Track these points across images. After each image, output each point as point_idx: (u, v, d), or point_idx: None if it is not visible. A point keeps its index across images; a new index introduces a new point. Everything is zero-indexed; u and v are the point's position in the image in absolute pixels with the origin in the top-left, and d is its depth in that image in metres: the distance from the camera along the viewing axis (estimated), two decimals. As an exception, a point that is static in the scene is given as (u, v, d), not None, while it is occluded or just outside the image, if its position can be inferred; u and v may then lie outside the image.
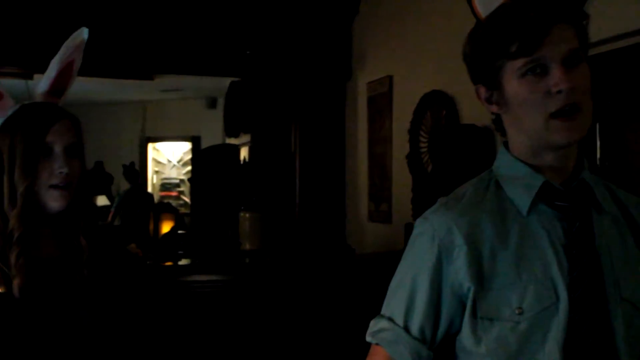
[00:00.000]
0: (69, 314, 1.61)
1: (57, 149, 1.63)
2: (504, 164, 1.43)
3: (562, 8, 1.32)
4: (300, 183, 5.37)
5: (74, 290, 1.63)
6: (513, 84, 1.33)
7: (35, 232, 1.64)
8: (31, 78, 6.91)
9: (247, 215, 4.59)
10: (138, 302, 1.77)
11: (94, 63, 5.76)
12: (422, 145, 4.49)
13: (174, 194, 10.48)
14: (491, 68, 1.36)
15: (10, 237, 1.60)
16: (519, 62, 1.31)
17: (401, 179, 4.71)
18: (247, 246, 4.52)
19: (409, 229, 4.39)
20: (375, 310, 1.46)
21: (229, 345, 3.89)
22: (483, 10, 1.39)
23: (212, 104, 9.75)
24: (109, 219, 7.59)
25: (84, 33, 1.78)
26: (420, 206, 4.41)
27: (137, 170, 9.07)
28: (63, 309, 1.61)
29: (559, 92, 1.28)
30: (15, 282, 1.57)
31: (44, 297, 1.60)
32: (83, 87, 8.94)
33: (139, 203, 7.53)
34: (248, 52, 5.39)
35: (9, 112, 1.67)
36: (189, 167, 10.13)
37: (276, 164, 5.42)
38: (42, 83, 1.73)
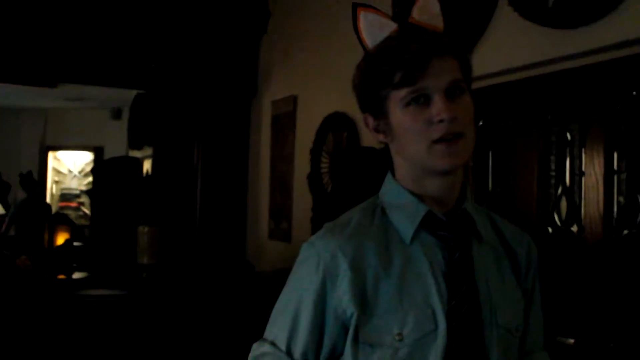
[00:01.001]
0: None
1: None
2: (389, 191, 1.45)
3: (445, 41, 1.36)
4: (201, 198, 5.33)
5: None
6: (397, 113, 1.35)
7: None
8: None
9: (146, 229, 4.53)
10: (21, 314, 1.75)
11: (-1, 68, 5.60)
12: (323, 165, 4.54)
13: (73, 204, 10.20)
14: (377, 97, 1.38)
15: None
16: (403, 92, 1.33)
17: (302, 198, 4.75)
18: (145, 260, 4.45)
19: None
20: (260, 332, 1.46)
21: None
22: (370, 42, 1.42)
23: (116, 114, 9.57)
24: (3, 228, 7.31)
25: None
26: (319, 226, 4.44)
27: (35, 179, 8.76)
28: None
29: (441, 121, 1.30)
30: None
31: None
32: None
33: (35, 213, 7.27)
34: (153, 65, 5.32)
35: None
36: (90, 178, 9.89)
37: (178, 179, 5.36)
38: None
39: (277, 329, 1.41)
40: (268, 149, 5.35)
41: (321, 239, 1.41)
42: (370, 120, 1.42)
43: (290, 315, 1.39)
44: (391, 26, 1.41)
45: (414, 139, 1.34)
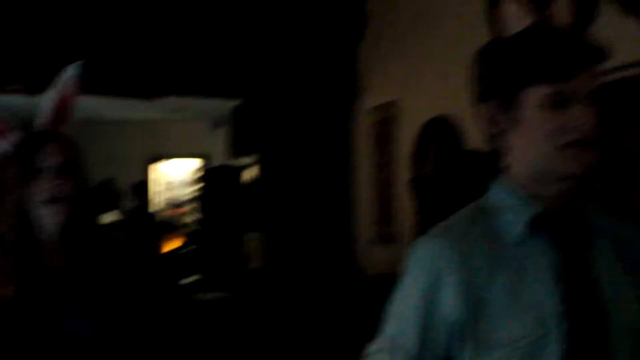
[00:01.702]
0: (62, 321, 1.73)
1: (47, 169, 1.79)
2: (498, 193, 1.43)
3: (596, 48, 1.32)
4: (306, 204, 5.41)
5: (70, 299, 1.75)
6: (532, 110, 1.31)
7: (37, 244, 1.79)
8: (36, 94, 6.98)
9: (254, 235, 4.64)
10: (141, 316, 1.88)
11: (103, 82, 5.85)
12: (426, 169, 4.54)
13: (179, 212, 10.53)
14: (511, 89, 1.33)
15: (3, 247, 1.78)
16: (546, 90, 1.29)
17: (406, 203, 4.76)
18: (254, 265, 4.57)
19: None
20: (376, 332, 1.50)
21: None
22: (509, 30, 1.38)
23: (218, 124, 9.82)
24: (116, 235, 7.62)
25: (76, 69, 1.96)
26: (424, 230, 4.45)
27: (147, 188, 9.14)
28: (55, 316, 1.73)
29: (575, 127, 1.28)
30: (5, 289, 1.72)
31: (38, 303, 1.72)
32: (92, 105, 9.00)
33: (146, 220, 7.59)
34: (253, 75, 5.44)
35: (14, 141, 1.86)
36: (195, 186, 10.19)
37: (283, 185, 5.46)
38: (43, 115, 1.91)
39: (389, 329, 1.44)
40: (370, 155, 5.39)
41: (430, 242, 1.43)
42: (491, 109, 1.38)
43: (400, 316, 1.42)
44: (527, 20, 1.37)
45: (543, 140, 1.31)
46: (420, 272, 1.40)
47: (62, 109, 1.93)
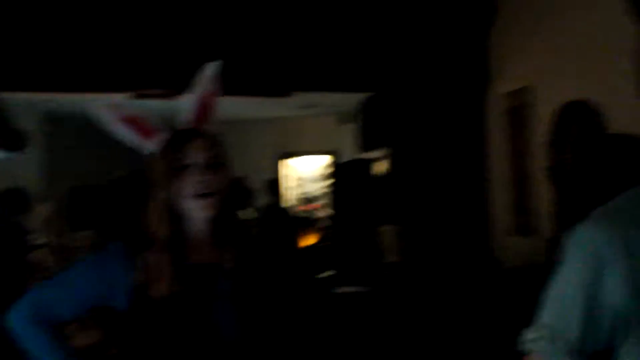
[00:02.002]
0: (213, 317, 1.76)
1: (195, 165, 1.80)
2: None
3: None
4: (441, 195, 5.35)
5: (220, 295, 1.78)
6: None
7: (184, 240, 1.83)
8: (174, 98, 7.26)
9: (389, 228, 4.64)
10: (284, 312, 1.89)
11: (235, 82, 6.02)
12: (565, 157, 4.39)
13: (311, 207, 10.67)
14: None
15: (155, 244, 1.80)
16: None
17: (543, 192, 4.62)
18: (390, 258, 4.56)
19: (551, 243, 4.30)
20: (518, 324, 1.46)
21: (369, 355, 3.93)
22: None
23: (347, 119, 9.87)
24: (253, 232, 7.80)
25: (216, 67, 1.98)
26: (563, 220, 4.31)
27: (279, 185, 9.31)
28: (207, 312, 1.76)
29: None
30: (157, 283, 1.76)
31: (191, 299, 1.76)
32: (223, 105, 9.28)
33: (280, 217, 7.72)
34: (383, 67, 5.44)
35: (162, 140, 1.88)
36: (326, 182, 10.29)
37: (416, 177, 5.43)
38: (185, 115, 1.93)
39: (548, 316, 1.40)
40: (505, 143, 5.27)
41: (592, 226, 1.35)
42: None
43: (560, 303, 1.37)
44: None
45: None
46: (582, 258, 1.34)
47: (204, 108, 1.96)
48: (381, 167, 6.71)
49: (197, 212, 1.81)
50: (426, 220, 5.16)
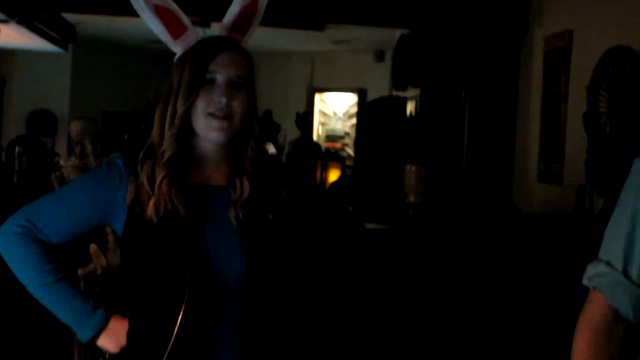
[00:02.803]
0: (215, 244, 1.62)
1: (220, 79, 1.63)
2: None
3: None
4: (468, 138, 5.30)
5: (224, 222, 1.63)
6: None
7: (191, 159, 1.67)
8: (209, 26, 7.22)
9: (413, 168, 4.62)
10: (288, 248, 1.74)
11: (269, 12, 5.95)
12: (602, 104, 4.30)
13: (338, 145, 10.65)
14: None
15: (160, 159, 1.63)
16: None
17: (576, 139, 4.55)
18: (412, 199, 4.55)
19: (581, 191, 4.26)
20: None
21: (387, 293, 3.96)
22: None
23: (380, 57, 9.76)
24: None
25: None
26: (595, 168, 4.25)
27: (309, 119, 9.31)
28: (207, 236, 1.62)
29: None
30: (152, 202, 1.59)
31: (189, 220, 1.61)
32: (255, 35, 9.22)
33: (309, 152, 7.74)
34: (420, 3, 5.34)
35: (190, 45, 1.70)
36: (354, 120, 10.24)
37: (445, 118, 5.37)
38: (225, 18, 1.75)
39: (611, 248, 1.38)
40: (539, 87, 5.17)
41: None
42: None
43: (624, 234, 1.35)
44: None
45: None
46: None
47: (249, 12, 1.77)
48: (411, 106, 6.65)
49: (208, 133, 1.64)
50: (451, 162, 5.13)
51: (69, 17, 6.57)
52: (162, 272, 1.60)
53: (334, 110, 10.98)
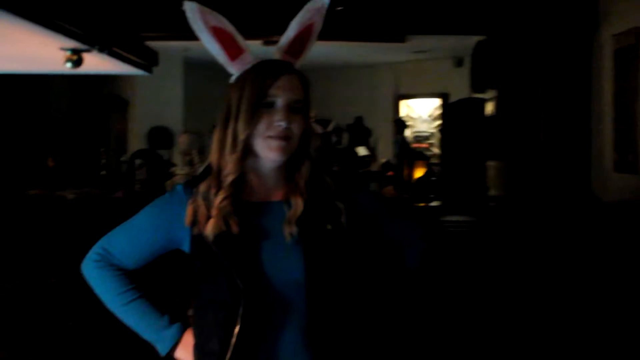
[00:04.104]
0: (276, 257, 1.57)
1: (280, 102, 1.56)
2: None
3: None
4: (545, 133, 5.21)
5: (280, 239, 1.57)
6: None
7: (248, 179, 1.62)
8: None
9: (494, 163, 4.58)
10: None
11: (353, 29, 6.04)
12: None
13: (424, 145, 10.62)
14: None
15: (224, 181, 1.58)
16: None
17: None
18: (494, 192, 4.52)
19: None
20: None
21: (472, 282, 3.94)
22: None
23: (458, 62, 9.69)
24: (370, 167, 7.94)
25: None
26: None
27: (405, 123, 9.36)
28: (270, 252, 1.57)
29: None
30: (210, 222, 1.55)
31: (251, 238, 1.57)
32: (342, 50, 9.35)
33: (407, 151, 7.80)
34: (493, 10, 5.29)
35: (247, 67, 1.62)
36: (439, 122, 10.21)
37: (522, 116, 5.30)
38: (281, 41, 1.67)
39: None
40: (611, 83, 5.03)
41: None
42: None
43: None
44: None
45: None
46: None
47: (304, 37, 1.68)
48: (491, 106, 6.58)
49: (268, 153, 1.58)
50: (530, 156, 5.05)
51: (175, 44, 6.77)
52: (220, 288, 1.56)
53: (419, 114, 10.96)
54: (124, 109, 10.24)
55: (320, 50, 9.27)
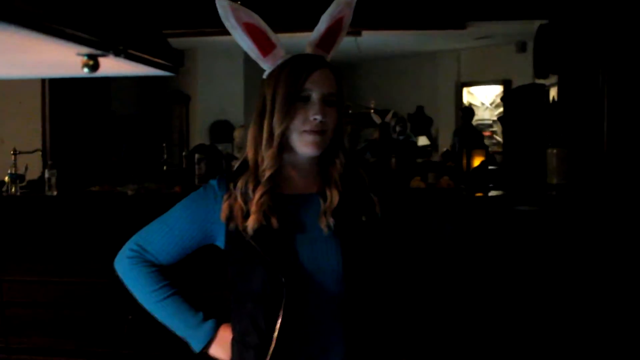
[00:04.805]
0: (313, 248, 1.59)
1: (315, 96, 1.58)
2: None
3: None
4: (608, 121, 5.05)
5: (317, 230, 1.59)
6: None
7: (284, 172, 1.64)
8: (360, 35, 7.33)
9: (555, 150, 4.47)
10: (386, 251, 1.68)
11: (413, 16, 5.99)
12: None
13: (487, 134, 10.45)
14: None
15: (261, 176, 1.60)
16: None
17: None
18: (554, 180, 4.41)
19: None
20: None
21: (531, 272, 3.86)
22: None
23: (522, 48, 9.48)
24: (430, 157, 7.87)
25: None
26: None
27: (471, 110, 9.27)
28: (307, 243, 1.59)
29: None
30: (251, 218, 1.57)
31: (288, 231, 1.59)
32: (402, 39, 9.27)
33: (471, 137, 7.73)
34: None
35: (279, 62, 1.65)
36: (501, 109, 10.02)
37: (584, 103, 5.15)
38: (312, 35, 1.69)
39: None
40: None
41: None
42: None
43: None
44: None
45: None
46: None
47: (335, 31, 1.69)
48: (553, 93, 6.42)
49: (303, 148, 1.60)
50: (592, 143, 4.91)
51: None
52: (260, 281, 1.57)
53: (482, 101, 10.78)
54: (186, 104, 10.43)
55: (380, 39, 9.23)
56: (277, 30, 1.68)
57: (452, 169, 5.70)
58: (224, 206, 1.63)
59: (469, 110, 8.74)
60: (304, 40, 1.71)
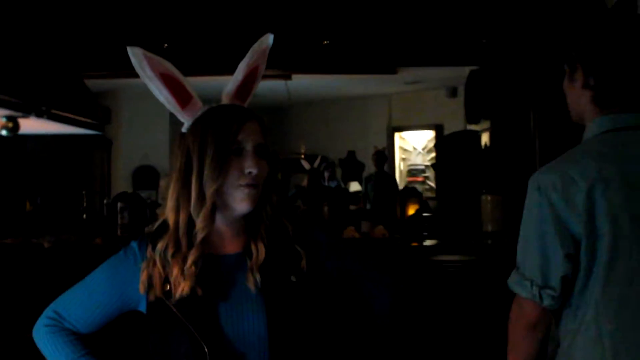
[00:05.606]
0: (239, 313, 1.54)
1: (248, 147, 1.53)
2: None
3: None
4: (540, 164, 5.19)
5: (242, 291, 1.55)
6: None
7: (214, 232, 1.58)
8: (289, 78, 7.37)
9: (489, 197, 4.54)
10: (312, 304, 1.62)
11: (344, 61, 6.05)
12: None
13: (419, 179, 10.60)
14: None
15: (194, 238, 1.54)
16: None
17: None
18: (489, 228, 4.46)
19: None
20: None
21: (469, 320, 3.87)
22: None
23: (452, 93, 9.71)
24: (361, 204, 7.88)
25: (268, 39, 1.69)
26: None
27: (386, 156, 9.32)
28: (230, 308, 1.55)
29: None
30: (182, 285, 1.52)
31: (214, 295, 1.54)
32: (332, 83, 9.37)
33: (386, 187, 7.73)
34: (484, 41, 5.30)
35: (198, 114, 1.59)
36: (434, 154, 10.19)
37: (517, 147, 5.28)
38: (229, 86, 1.65)
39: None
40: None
41: None
42: None
43: None
44: None
45: None
46: None
47: (250, 80, 1.66)
48: (485, 138, 6.57)
49: (239, 204, 1.54)
50: (525, 189, 5.03)
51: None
52: (183, 350, 1.50)
53: (414, 146, 10.96)
54: (107, 149, 10.22)
55: (311, 83, 9.29)
56: (184, 74, 1.62)
57: (386, 217, 5.72)
58: (143, 277, 1.56)
59: (382, 155, 8.78)
60: (206, 84, 1.66)
